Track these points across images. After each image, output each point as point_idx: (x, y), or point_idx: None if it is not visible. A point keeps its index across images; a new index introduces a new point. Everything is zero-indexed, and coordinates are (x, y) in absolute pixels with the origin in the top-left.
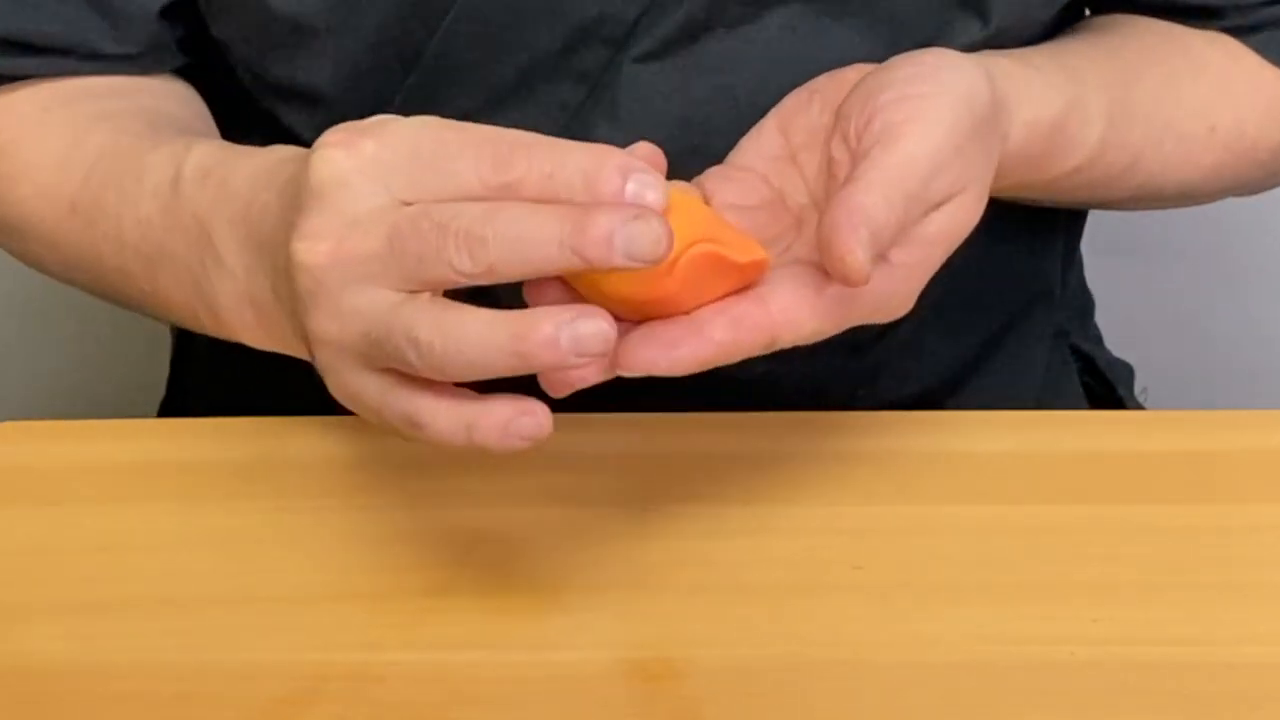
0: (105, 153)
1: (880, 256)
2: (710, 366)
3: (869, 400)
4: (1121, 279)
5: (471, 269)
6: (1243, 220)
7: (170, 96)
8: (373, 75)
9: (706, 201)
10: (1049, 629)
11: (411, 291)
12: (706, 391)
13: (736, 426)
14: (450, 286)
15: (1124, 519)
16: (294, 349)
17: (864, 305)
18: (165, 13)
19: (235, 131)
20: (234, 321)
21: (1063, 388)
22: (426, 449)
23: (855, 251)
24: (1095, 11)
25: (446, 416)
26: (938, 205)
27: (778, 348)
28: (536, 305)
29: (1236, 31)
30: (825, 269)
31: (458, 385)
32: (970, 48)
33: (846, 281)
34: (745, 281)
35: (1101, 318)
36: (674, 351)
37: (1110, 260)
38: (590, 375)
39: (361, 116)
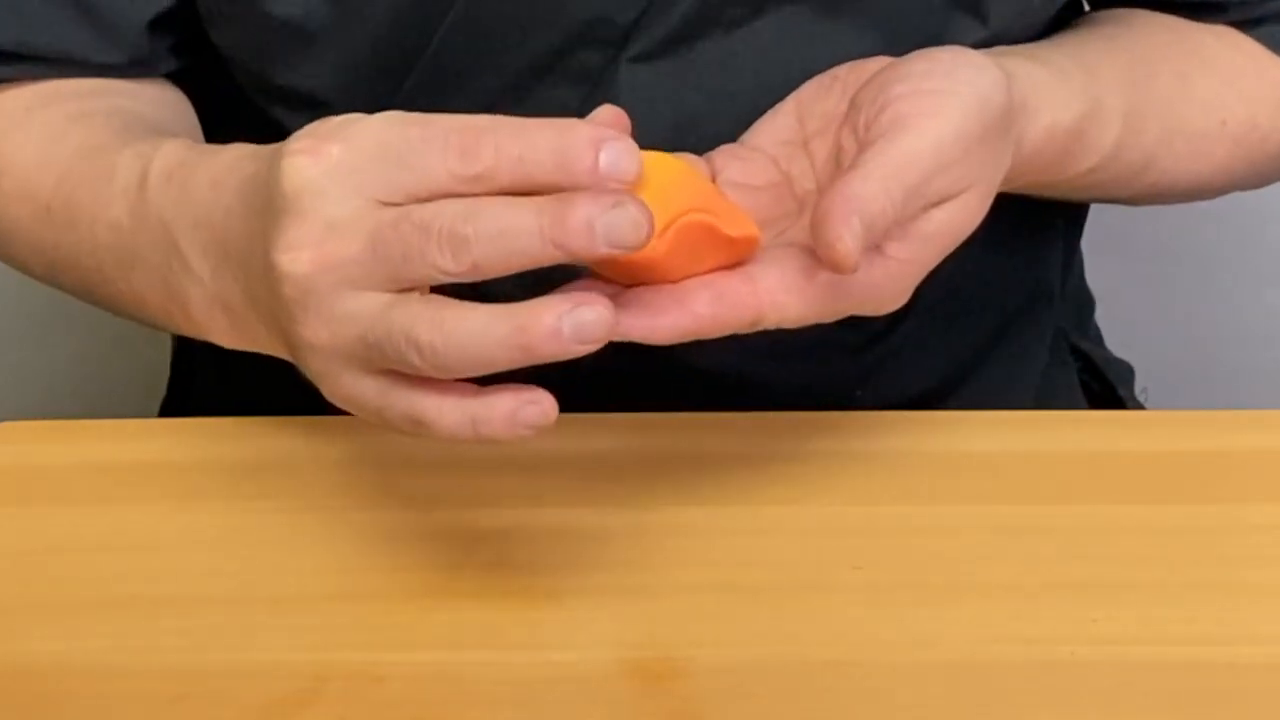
0: (80, 153)
1: (875, 248)
2: (691, 339)
3: (868, 400)
4: (1121, 279)
5: (456, 268)
6: (1243, 220)
7: (152, 98)
8: (372, 79)
9: (713, 177)
10: (1049, 629)
11: (400, 291)
12: (706, 391)
13: (736, 426)
14: (435, 283)
15: (1124, 519)
16: (270, 350)
17: (854, 296)
18: (156, 22)
19: (234, 134)
20: (206, 324)
21: (1062, 387)
22: (425, 448)
23: (845, 239)
24: (1096, 7)
25: (451, 413)
26: (939, 203)
27: (762, 328)
28: None
29: (1242, 25)
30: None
31: (457, 380)
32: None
33: (834, 268)
34: (736, 256)
35: (1101, 318)
36: (655, 319)
37: (1110, 260)
38: None
39: None
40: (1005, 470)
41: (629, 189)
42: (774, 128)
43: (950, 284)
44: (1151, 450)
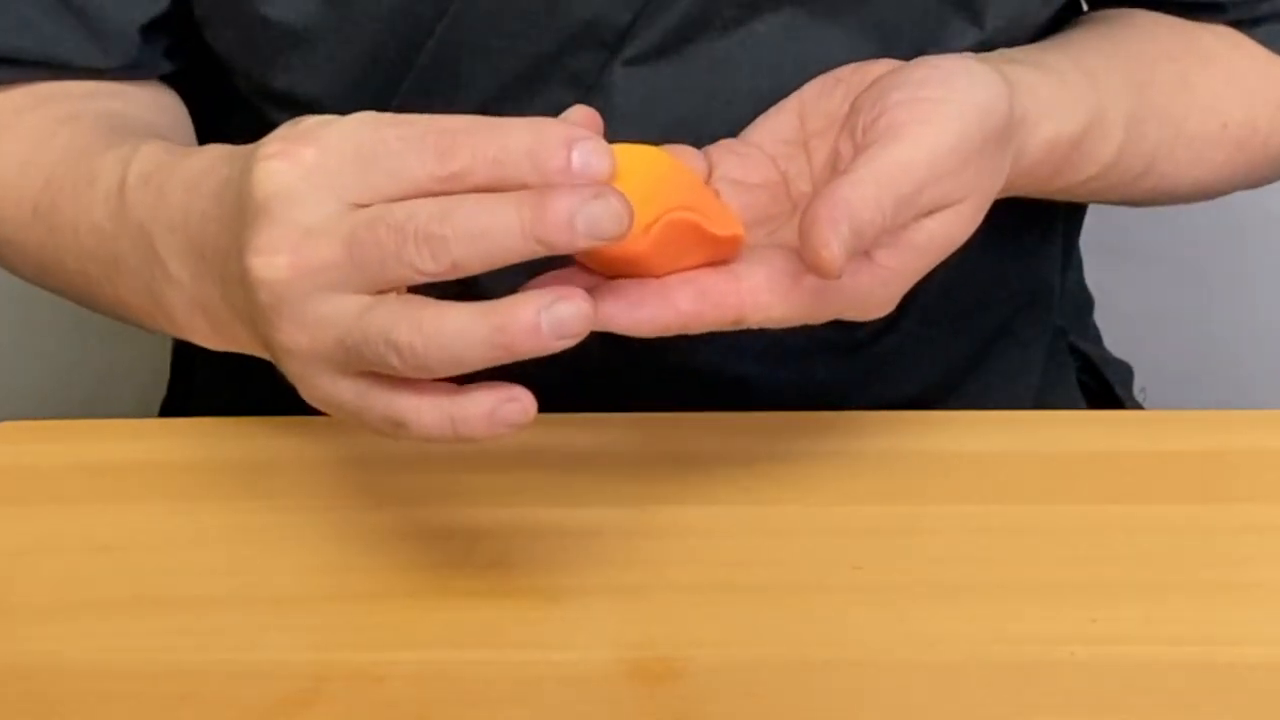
0: (66, 156)
1: (864, 254)
2: (672, 333)
3: (866, 401)
4: (1121, 279)
5: (434, 268)
6: (1243, 220)
7: (146, 101)
8: (368, 81)
9: (709, 172)
10: (1049, 629)
11: (377, 293)
12: (705, 392)
13: (736, 426)
14: (414, 283)
15: (1124, 519)
16: (253, 350)
17: (839, 300)
18: (150, 26)
19: (230, 136)
20: (188, 326)
21: (1061, 387)
22: (425, 448)
23: (831, 244)
24: (1095, 7)
25: (430, 413)
26: (931, 212)
27: (744, 326)
28: None
29: (1242, 25)
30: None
31: (435, 380)
32: (965, 51)
33: (819, 273)
34: (720, 255)
35: (1101, 318)
36: (636, 311)
37: (1110, 260)
38: None
39: None
40: (1004, 470)
41: (607, 184)
42: (775, 125)
43: (948, 284)
44: (1150, 450)
